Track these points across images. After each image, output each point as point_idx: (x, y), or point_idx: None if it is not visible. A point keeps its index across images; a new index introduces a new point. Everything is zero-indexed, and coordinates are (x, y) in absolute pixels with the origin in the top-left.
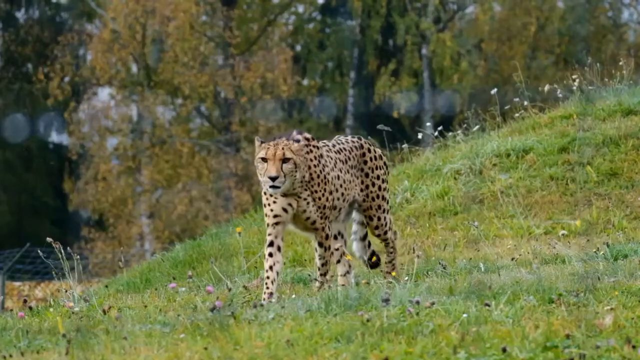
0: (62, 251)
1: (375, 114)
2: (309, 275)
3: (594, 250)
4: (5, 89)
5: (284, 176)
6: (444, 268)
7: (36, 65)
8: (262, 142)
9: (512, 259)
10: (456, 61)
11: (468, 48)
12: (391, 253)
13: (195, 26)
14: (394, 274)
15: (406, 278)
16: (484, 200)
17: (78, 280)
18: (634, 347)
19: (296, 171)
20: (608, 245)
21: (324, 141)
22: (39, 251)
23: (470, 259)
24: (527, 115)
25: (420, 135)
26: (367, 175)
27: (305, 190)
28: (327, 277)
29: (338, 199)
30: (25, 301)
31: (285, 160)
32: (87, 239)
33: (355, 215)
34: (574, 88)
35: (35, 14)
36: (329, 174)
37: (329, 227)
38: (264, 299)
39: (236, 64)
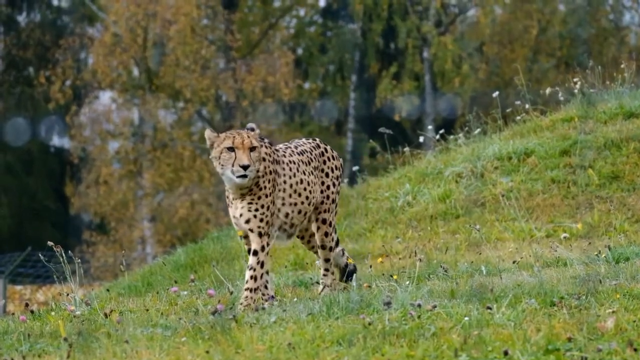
0: (64, 255)
1: (377, 117)
2: (310, 278)
3: (596, 253)
4: (7, 93)
5: (253, 164)
6: (446, 271)
7: (37, 68)
8: (218, 134)
9: (514, 262)
10: (457, 64)
11: (469, 51)
12: (331, 274)
13: (196, 29)
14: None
15: (407, 282)
16: (485, 204)
17: (79, 283)
18: (635, 350)
19: (259, 160)
20: (609, 248)
21: (286, 144)
22: (40, 255)
23: (472, 262)
24: (528, 118)
25: (421, 139)
26: (327, 175)
27: (250, 190)
28: (259, 294)
29: (302, 202)
30: (26, 305)
31: (252, 148)
32: (89, 243)
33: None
34: (576, 91)
35: (36, 18)
36: (275, 180)
37: (267, 242)
38: (263, 304)
39: (237, 67)
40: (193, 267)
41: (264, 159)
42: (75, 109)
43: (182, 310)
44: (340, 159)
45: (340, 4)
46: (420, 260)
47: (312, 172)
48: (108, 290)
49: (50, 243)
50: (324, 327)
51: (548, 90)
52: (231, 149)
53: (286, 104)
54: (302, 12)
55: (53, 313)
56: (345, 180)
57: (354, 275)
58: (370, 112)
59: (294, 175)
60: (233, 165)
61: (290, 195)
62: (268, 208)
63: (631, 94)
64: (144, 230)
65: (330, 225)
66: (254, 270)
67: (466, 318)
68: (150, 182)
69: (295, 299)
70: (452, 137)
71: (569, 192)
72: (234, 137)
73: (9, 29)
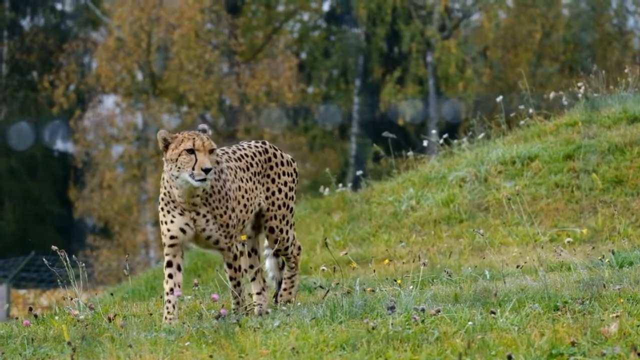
0: (67, 259)
1: (381, 122)
2: (314, 282)
3: (600, 257)
4: (11, 97)
5: (214, 168)
6: (450, 275)
7: (41, 73)
8: (174, 134)
9: (518, 267)
10: (461, 69)
11: (473, 55)
12: (292, 268)
13: (200, 34)
14: (290, 298)
15: (411, 286)
16: (489, 208)
17: (83, 288)
18: (639, 354)
19: (217, 163)
20: (613, 253)
21: (224, 148)
22: (44, 259)
23: (476, 266)
24: (532, 123)
25: (425, 143)
26: (273, 180)
27: (205, 205)
28: (244, 295)
29: (241, 211)
30: (30, 309)
31: (211, 151)
32: (92, 247)
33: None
34: (579, 95)
35: (40, 22)
36: (230, 189)
37: (236, 247)
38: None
39: (241, 71)
40: (196, 272)
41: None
42: (79, 113)
43: (185, 315)
44: (295, 164)
45: (344, 8)
46: (424, 264)
47: (250, 178)
48: (112, 294)
49: (54, 247)
50: (328, 331)
51: (552, 95)
52: (191, 151)
53: (290, 109)
54: (305, 17)
55: (57, 317)
56: (349, 185)
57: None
58: (374, 116)
59: (233, 182)
60: (194, 169)
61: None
62: (229, 225)
63: (635, 98)
64: (147, 235)
65: (281, 231)
66: (235, 279)
67: (470, 322)
68: (154, 186)
69: (298, 303)
70: (455, 141)
71: (572, 196)
72: (194, 138)
73: (12, 33)
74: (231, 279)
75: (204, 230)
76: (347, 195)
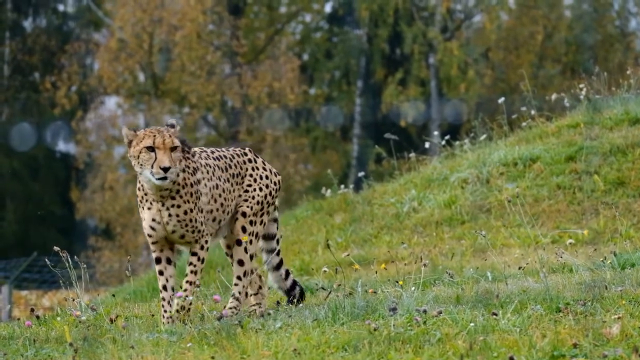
0: (69, 260)
1: (382, 123)
2: (316, 284)
3: (601, 259)
4: (12, 98)
5: (174, 166)
6: (451, 277)
7: (43, 74)
8: (135, 131)
9: (520, 268)
10: (463, 70)
11: (475, 57)
12: (234, 301)
13: (202, 35)
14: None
15: (413, 287)
16: (491, 209)
17: (85, 289)
18: None
19: (180, 160)
20: (615, 254)
21: (202, 147)
22: (46, 260)
23: (478, 268)
24: (534, 124)
25: (427, 144)
26: (255, 180)
27: (172, 198)
28: (192, 288)
29: (217, 209)
30: (32, 310)
31: (173, 148)
32: (94, 248)
33: (262, 243)
34: (581, 97)
35: (42, 23)
36: (199, 190)
37: (205, 240)
38: (163, 323)
39: (243, 73)
40: None
41: (184, 170)
42: (81, 114)
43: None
44: (279, 177)
45: (346, 9)
46: (425, 266)
47: (228, 179)
48: (113, 295)
49: (56, 248)
50: (330, 332)
51: (554, 96)
52: (151, 149)
53: (292, 110)
54: (308, 18)
55: (59, 318)
56: (351, 186)
57: (302, 298)
58: (376, 117)
59: (210, 179)
60: (152, 167)
61: (208, 202)
62: (197, 220)
63: (637, 100)
64: None
65: (251, 223)
66: (195, 265)
67: (472, 324)
68: None
69: (300, 305)
70: (457, 143)
71: (574, 198)
72: (155, 136)
73: (14, 34)
74: (191, 264)
75: (167, 223)
76: (349, 196)
